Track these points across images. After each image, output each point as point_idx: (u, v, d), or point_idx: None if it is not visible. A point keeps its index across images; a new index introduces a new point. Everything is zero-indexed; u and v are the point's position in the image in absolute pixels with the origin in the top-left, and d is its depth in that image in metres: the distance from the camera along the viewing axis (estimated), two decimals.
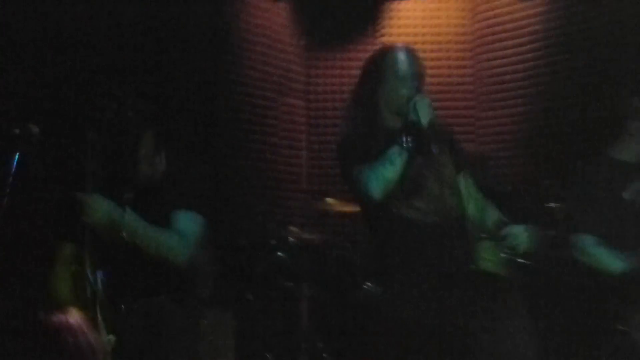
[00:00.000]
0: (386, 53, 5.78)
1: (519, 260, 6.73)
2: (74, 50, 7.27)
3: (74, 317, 4.90)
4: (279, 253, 7.48)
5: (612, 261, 6.31)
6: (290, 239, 7.52)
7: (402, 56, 5.63)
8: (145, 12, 7.87)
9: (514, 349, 5.91)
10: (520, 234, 5.62)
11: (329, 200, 8.03)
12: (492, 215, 5.79)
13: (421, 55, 9.38)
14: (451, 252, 5.42)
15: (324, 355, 7.20)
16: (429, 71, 8.78)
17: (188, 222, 5.18)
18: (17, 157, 4.63)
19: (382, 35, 9.83)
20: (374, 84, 5.58)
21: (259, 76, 9.04)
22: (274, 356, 7.52)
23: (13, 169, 4.61)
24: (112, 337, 4.90)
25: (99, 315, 4.93)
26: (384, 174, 5.17)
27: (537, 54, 9.31)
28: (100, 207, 4.49)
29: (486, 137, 9.70)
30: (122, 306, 5.07)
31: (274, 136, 9.20)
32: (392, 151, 5.17)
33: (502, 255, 6.17)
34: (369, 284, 7.01)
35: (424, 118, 5.15)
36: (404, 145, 5.15)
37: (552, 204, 7.57)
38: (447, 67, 9.68)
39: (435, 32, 9.90)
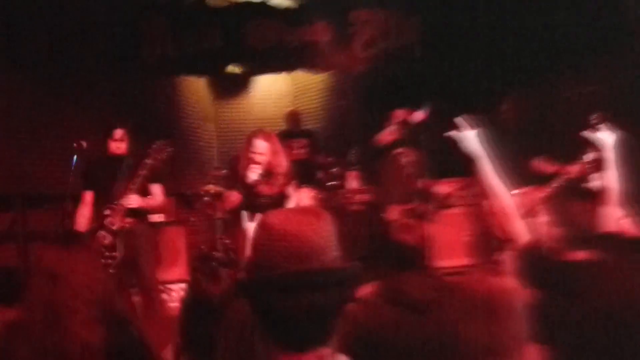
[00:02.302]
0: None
1: None
2: None
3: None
4: (205, 198, 7.22)
5: None
6: (210, 190, 7.14)
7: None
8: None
9: None
10: None
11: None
12: None
13: (269, 108, 9.38)
14: None
15: (230, 247, 6.80)
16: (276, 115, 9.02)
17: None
18: (75, 158, 5.23)
19: (250, 92, 9.57)
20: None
21: (192, 112, 9.02)
22: (206, 247, 7.25)
23: (74, 164, 5.24)
24: None
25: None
26: None
27: (324, 99, 9.26)
28: None
29: None
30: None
31: (201, 141, 9.18)
32: None
33: None
34: None
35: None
36: None
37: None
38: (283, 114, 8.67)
39: (278, 93, 9.60)
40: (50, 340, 2.09)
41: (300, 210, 1.54)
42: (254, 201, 5.40)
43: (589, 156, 4.88)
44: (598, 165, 3.81)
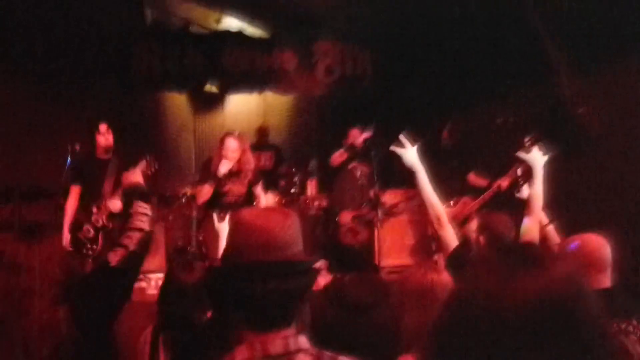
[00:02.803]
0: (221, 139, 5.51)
1: None
2: None
3: None
4: (182, 199, 7.08)
5: None
6: (187, 193, 6.94)
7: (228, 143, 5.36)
8: None
9: None
10: None
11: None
12: None
13: (241, 123, 9.23)
14: None
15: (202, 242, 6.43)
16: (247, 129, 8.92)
17: None
18: (69, 158, 5.23)
19: (225, 108, 9.41)
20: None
21: (173, 124, 8.91)
22: (182, 242, 7.08)
23: (67, 163, 5.24)
24: None
25: None
26: None
27: (290, 117, 9.18)
28: None
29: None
30: None
31: (180, 149, 9.02)
32: None
33: None
34: None
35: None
36: None
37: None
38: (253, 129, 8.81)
39: (249, 110, 9.14)
40: (12, 326, 1.94)
41: (271, 209, 1.56)
42: (223, 198, 5.41)
43: (519, 170, 4.91)
44: (525, 179, 3.79)
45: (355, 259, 2.76)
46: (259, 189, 5.62)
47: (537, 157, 3.50)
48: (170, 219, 7.42)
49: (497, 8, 6.36)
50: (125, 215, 2.25)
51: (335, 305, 2.56)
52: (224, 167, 5.26)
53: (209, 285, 1.63)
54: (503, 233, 3.26)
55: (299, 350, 1.39)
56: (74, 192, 5.31)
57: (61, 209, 5.39)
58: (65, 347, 1.98)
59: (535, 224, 3.22)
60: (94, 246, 5.19)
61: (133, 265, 2.25)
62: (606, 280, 2.51)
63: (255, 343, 1.37)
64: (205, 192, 5.39)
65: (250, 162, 5.50)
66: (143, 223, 2.22)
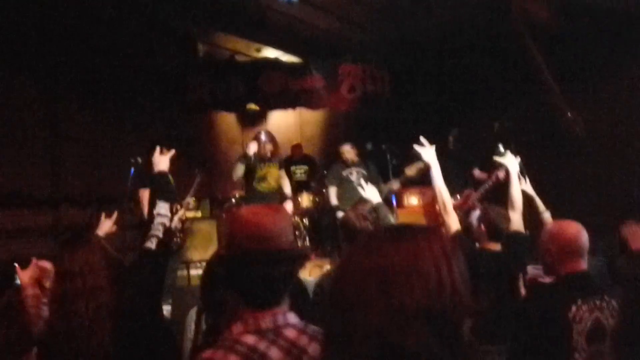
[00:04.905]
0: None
1: None
2: None
3: None
4: (232, 199, 7.17)
5: None
6: (236, 195, 7.23)
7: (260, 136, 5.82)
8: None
9: None
10: None
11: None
12: None
13: (280, 135, 9.24)
14: None
15: None
16: (285, 140, 8.88)
17: None
18: (132, 170, 5.15)
19: (266, 123, 9.30)
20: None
21: (224, 138, 8.89)
22: None
23: (131, 174, 5.17)
24: None
25: None
26: None
27: (322, 129, 9.27)
28: None
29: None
30: None
31: (230, 159, 8.07)
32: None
33: None
34: None
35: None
36: None
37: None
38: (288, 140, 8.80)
39: (287, 124, 9.32)
40: (60, 322, 1.95)
41: (264, 207, 1.52)
42: (263, 182, 5.83)
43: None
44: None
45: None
46: (283, 173, 6.04)
47: (511, 160, 3.45)
48: (222, 217, 7.27)
49: (496, 34, 6.25)
50: (151, 213, 2.37)
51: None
52: (252, 147, 5.69)
53: (218, 271, 1.61)
54: (499, 223, 3.22)
55: (287, 325, 1.39)
56: (145, 195, 5.28)
57: (130, 211, 5.39)
58: (116, 336, 1.98)
59: (519, 216, 3.16)
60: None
61: (166, 246, 2.37)
62: (583, 263, 2.40)
63: (249, 319, 1.38)
64: (239, 169, 5.77)
65: (279, 147, 5.98)
66: (164, 219, 2.35)
